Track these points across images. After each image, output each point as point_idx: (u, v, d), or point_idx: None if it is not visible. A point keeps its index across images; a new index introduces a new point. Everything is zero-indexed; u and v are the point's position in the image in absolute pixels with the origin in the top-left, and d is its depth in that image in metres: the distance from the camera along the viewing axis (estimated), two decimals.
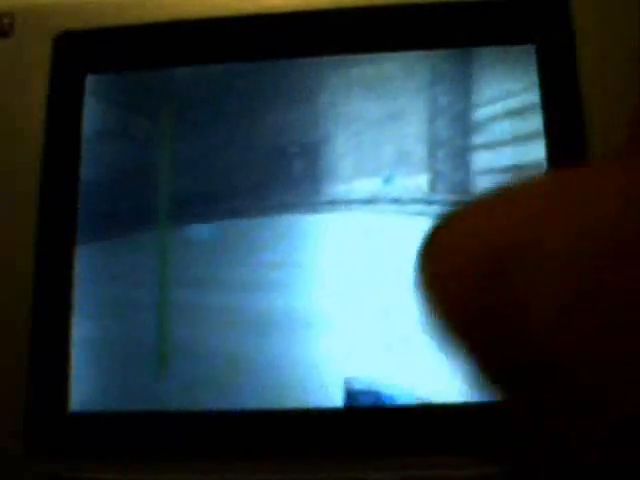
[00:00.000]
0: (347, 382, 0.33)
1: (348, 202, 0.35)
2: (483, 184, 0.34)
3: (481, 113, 0.35)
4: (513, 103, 0.35)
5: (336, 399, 0.33)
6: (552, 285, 0.10)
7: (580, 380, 0.09)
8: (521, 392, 0.11)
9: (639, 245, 0.09)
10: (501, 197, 0.11)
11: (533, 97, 0.34)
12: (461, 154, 0.35)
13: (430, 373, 0.32)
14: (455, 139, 0.35)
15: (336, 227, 0.35)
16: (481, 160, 0.35)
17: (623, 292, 0.09)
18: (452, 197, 0.34)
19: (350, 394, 0.33)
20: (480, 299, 0.10)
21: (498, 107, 0.35)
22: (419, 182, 0.35)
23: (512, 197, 0.11)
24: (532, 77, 0.34)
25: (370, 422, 0.32)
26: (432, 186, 0.35)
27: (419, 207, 0.34)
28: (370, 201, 0.35)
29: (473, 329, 0.11)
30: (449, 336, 0.11)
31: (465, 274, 0.11)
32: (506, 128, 0.34)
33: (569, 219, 0.10)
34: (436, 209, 0.34)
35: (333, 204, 0.35)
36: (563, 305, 0.09)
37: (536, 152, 0.34)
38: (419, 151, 0.35)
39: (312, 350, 0.34)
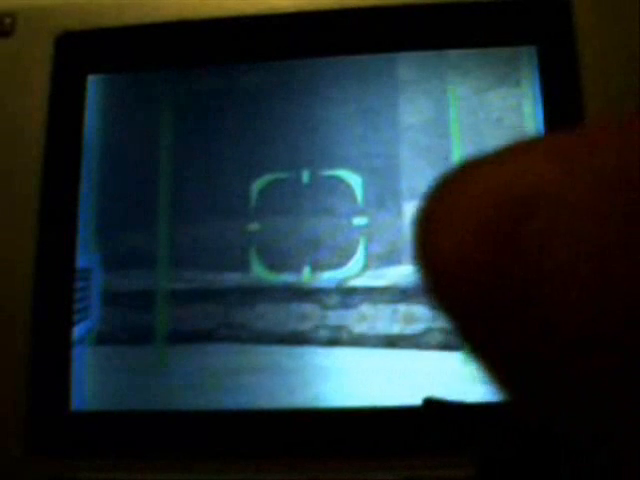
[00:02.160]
0: None
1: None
2: None
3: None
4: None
5: (337, 399, 0.33)
6: (573, 244, 0.09)
7: (600, 362, 0.09)
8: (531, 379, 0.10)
9: None
10: (510, 152, 0.10)
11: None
12: None
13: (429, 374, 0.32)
14: None
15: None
16: None
17: None
18: None
19: None
20: (491, 262, 0.10)
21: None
22: None
23: (521, 151, 0.10)
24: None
25: (370, 422, 0.32)
26: None
27: None
28: None
29: (482, 296, 0.10)
30: (453, 306, 0.10)
31: (474, 235, 0.10)
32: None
33: (587, 171, 0.09)
34: None
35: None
36: (586, 266, 0.09)
37: None
38: None
39: (313, 351, 0.34)
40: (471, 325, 0.10)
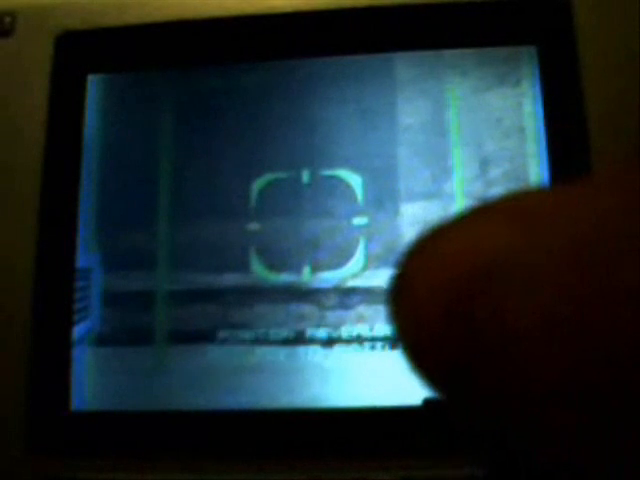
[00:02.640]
0: None
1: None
2: None
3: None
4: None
5: (336, 400, 0.33)
6: (532, 307, 0.09)
7: (561, 404, 0.09)
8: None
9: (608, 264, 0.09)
10: (480, 213, 0.11)
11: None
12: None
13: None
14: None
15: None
16: None
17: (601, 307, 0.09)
18: None
19: None
20: (458, 321, 0.10)
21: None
22: None
23: (483, 215, 0.11)
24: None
25: (370, 422, 0.32)
26: None
27: None
28: None
29: (450, 349, 0.10)
30: (421, 355, 0.11)
31: (441, 295, 0.10)
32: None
33: (543, 237, 0.10)
34: None
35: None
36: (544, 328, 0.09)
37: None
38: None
39: (313, 351, 0.34)
40: (445, 387, 0.10)
